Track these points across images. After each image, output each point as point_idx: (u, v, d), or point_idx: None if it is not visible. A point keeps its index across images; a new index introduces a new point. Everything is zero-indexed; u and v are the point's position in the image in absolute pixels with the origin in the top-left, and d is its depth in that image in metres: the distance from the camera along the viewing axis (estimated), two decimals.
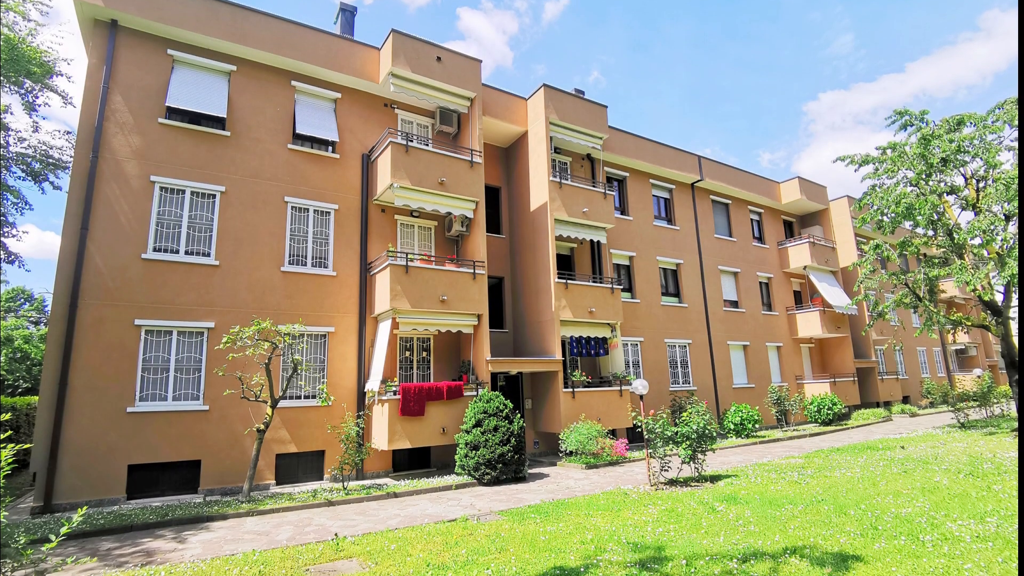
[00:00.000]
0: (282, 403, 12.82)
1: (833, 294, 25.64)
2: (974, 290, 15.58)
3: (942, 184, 16.87)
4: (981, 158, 15.78)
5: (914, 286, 18.16)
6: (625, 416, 16.64)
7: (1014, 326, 17.92)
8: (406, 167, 14.25)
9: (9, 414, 15.19)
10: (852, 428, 21.67)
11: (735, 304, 24.41)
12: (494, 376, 15.90)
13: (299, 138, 14.86)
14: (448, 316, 14.36)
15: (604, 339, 17.49)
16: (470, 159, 15.61)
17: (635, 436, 18.63)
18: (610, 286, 17.82)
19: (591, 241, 19.48)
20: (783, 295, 26.52)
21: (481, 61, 17.01)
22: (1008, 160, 16.38)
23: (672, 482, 11.39)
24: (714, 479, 11.62)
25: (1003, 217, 15.62)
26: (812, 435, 19.76)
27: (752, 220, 26.85)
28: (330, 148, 15.25)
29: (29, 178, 19.05)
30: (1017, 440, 14.46)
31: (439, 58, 15.94)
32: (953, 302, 36.91)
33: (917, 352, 33.58)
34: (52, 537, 5.69)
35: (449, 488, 12.03)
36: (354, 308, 14.44)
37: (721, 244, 24.63)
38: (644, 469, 13.34)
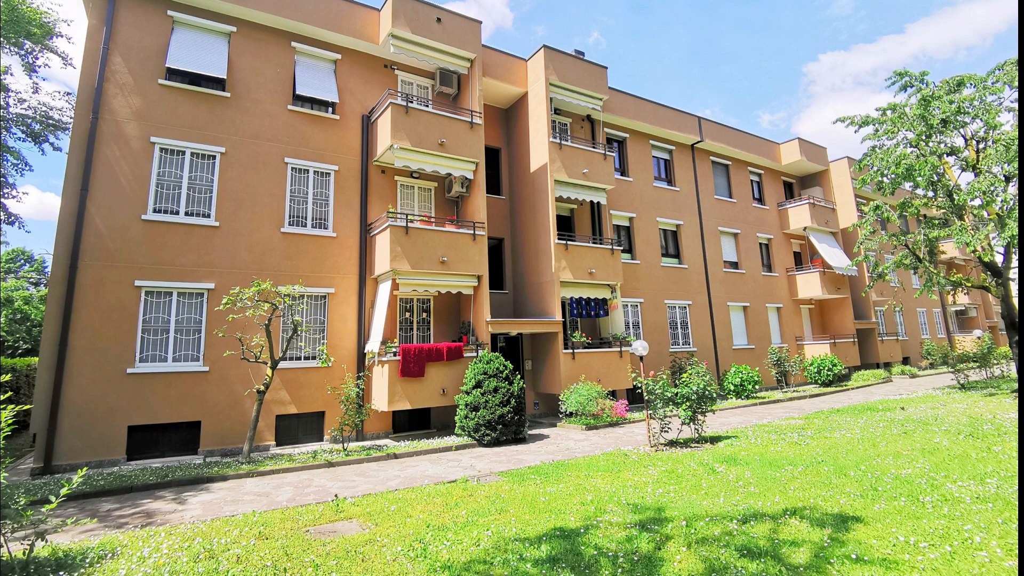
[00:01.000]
0: (282, 364, 12.66)
1: (833, 255, 25.28)
2: (974, 251, 15.29)
3: (942, 145, 16.46)
4: (981, 119, 15.40)
5: (914, 247, 17.84)
6: (625, 377, 16.51)
7: (1014, 287, 17.65)
8: (406, 128, 13.88)
9: (9, 375, 15.12)
10: (852, 389, 21.56)
11: (735, 265, 24.08)
12: (494, 337, 15.73)
13: (299, 99, 14.50)
14: (448, 277, 14.09)
15: (604, 300, 17.24)
16: (470, 120, 15.15)
17: (635, 397, 18.57)
18: (610, 247, 17.48)
19: (591, 202, 19.09)
20: (783, 256, 26.16)
21: (481, 22, 16.48)
22: (1008, 121, 15.96)
23: (672, 443, 11.28)
24: (714, 440, 11.51)
25: (1003, 178, 15.27)
26: (812, 396, 19.67)
27: (752, 181, 26.31)
28: (330, 109, 14.87)
29: (29, 139, 18.78)
30: (1017, 401, 14.33)
31: (439, 19, 15.46)
32: (953, 263, 36.54)
33: (917, 313, 33.38)
34: (52, 498, 5.58)
35: (449, 449, 11.95)
36: (354, 269, 14.16)
37: (721, 205, 24.16)
38: (644, 430, 13.26)
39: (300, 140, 14.12)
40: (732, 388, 19.16)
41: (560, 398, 15.16)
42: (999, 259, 16.31)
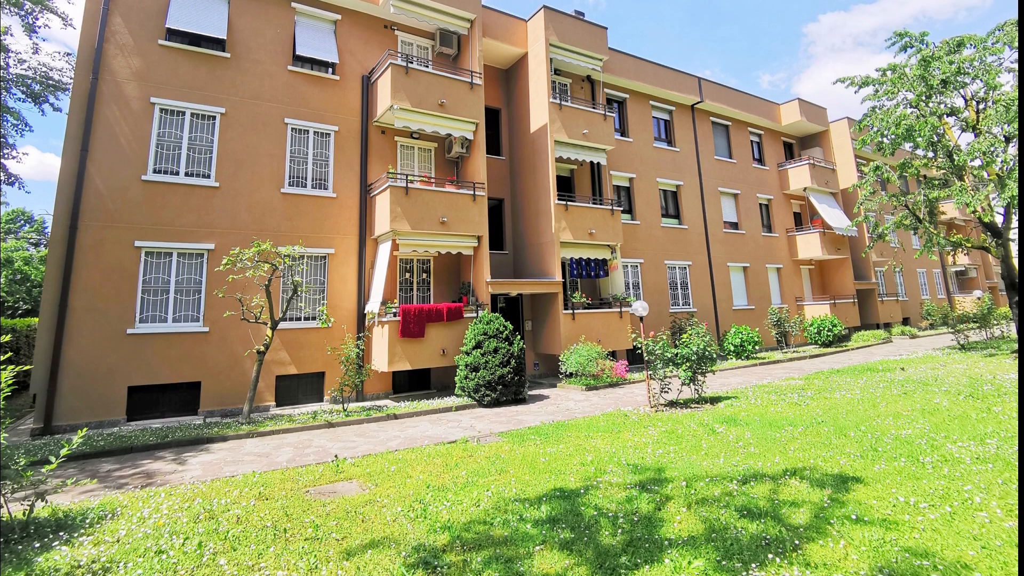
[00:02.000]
0: (282, 325, 12.48)
1: (833, 216, 24.82)
2: (974, 212, 14.95)
3: (942, 106, 15.97)
4: (981, 80, 14.92)
5: (914, 207, 17.46)
6: (625, 338, 16.35)
7: (1014, 248, 17.34)
8: (406, 89, 13.45)
9: (9, 336, 14.97)
10: (852, 350, 21.40)
11: (735, 226, 23.67)
12: (494, 298, 15.51)
13: (299, 60, 14.06)
14: (447, 238, 13.77)
15: (604, 261, 16.94)
16: (470, 81, 14.63)
17: (635, 358, 18.46)
18: (610, 208, 17.07)
19: (591, 163, 18.59)
20: (783, 217, 25.71)
21: None
22: (1008, 82, 15.54)
23: (672, 404, 11.15)
24: (714, 400, 11.37)
25: (1003, 139, 14.84)
26: (812, 357, 19.52)
27: (752, 142, 25.66)
28: (330, 70, 14.42)
29: (29, 100, 18.40)
30: (1017, 362, 14.17)
31: None
32: (953, 224, 36.02)
33: (917, 274, 33.06)
34: (52, 459, 5.45)
35: (449, 410, 11.84)
36: (354, 230, 13.85)
37: (720, 166, 23.59)
38: (644, 391, 13.15)
39: (300, 101, 13.74)
40: (732, 349, 19.00)
41: (560, 359, 15.02)
42: (999, 220, 15.97)
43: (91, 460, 8.36)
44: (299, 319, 13.02)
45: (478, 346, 12.42)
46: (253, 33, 13.46)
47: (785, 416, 9.37)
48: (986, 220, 15.62)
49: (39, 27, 16.85)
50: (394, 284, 14.34)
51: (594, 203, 17.65)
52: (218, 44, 13.07)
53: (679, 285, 20.85)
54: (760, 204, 25.07)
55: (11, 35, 16.81)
